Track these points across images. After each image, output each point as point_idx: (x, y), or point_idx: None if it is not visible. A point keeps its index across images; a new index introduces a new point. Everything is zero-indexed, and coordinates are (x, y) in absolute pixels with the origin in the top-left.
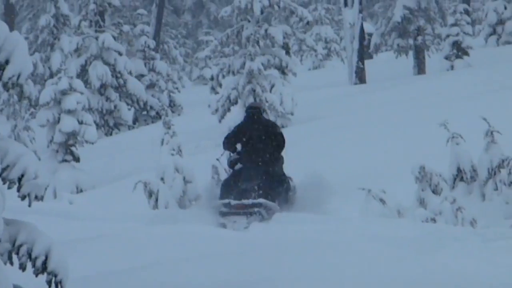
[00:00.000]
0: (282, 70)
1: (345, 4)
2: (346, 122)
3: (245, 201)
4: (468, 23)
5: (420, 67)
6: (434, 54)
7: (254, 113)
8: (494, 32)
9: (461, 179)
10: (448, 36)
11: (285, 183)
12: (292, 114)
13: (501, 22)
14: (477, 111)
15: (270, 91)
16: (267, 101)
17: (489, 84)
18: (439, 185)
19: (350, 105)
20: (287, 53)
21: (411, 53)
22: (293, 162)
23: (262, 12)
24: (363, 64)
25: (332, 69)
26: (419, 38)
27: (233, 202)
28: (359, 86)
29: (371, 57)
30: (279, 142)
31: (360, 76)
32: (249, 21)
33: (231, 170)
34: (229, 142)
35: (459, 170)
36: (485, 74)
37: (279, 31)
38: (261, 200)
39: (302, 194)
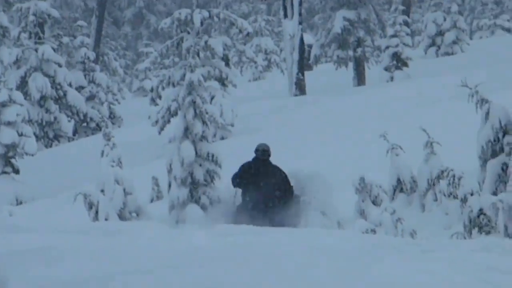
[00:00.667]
0: (222, 81)
1: (285, 16)
2: (286, 133)
3: None
4: (407, 35)
5: (360, 78)
6: (373, 65)
7: (261, 155)
8: (433, 43)
9: (401, 190)
10: (387, 47)
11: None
12: (232, 125)
13: (440, 33)
14: (417, 122)
15: (210, 103)
16: (207, 113)
17: (428, 95)
18: (379, 196)
19: (290, 117)
20: (227, 64)
21: (351, 64)
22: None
23: (202, 24)
24: (303, 75)
25: (272, 80)
26: (359, 49)
27: None
28: (299, 98)
29: (311, 68)
30: (286, 194)
31: (300, 87)
32: (189, 33)
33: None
34: (237, 183)
35: (399, 181)
36: (424, 85)
37: (219, 43)
38: None
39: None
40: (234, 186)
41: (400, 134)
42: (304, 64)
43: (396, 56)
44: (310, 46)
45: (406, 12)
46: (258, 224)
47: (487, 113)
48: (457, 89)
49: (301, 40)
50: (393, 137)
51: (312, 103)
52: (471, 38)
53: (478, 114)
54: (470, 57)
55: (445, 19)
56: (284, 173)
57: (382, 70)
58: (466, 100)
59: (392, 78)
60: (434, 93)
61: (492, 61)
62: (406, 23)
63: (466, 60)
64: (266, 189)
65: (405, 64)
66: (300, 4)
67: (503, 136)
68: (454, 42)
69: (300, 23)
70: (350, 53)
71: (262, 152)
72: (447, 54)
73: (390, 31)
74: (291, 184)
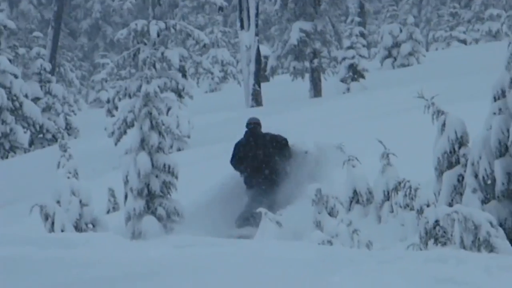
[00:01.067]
0: (179, 93)
1: (242, 27)
2: None
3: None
4: (364, 46)
5: (316, 90)
6: (330, 76)
7: (252, 128)
8: (389, 55)
9: (357, 202)
10: (344, 59)
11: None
12: (188, 137)
13: (396, 45)
14: (373, 133)
15: (167, 114)
16: (163, 124)
17: (384, 106)
18: (335, 207)
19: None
20: (184, 76)
21: (307, 75)
22: (191, 184)
23: (158, 35)
24: (259, 86)
25: (229, 91)
26: (315, 60)
27: (234, 233)
28: (255, 109)
29: (267, 79)
30: (282, 149)
31: (256, 99)
32: (145, 44)
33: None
34: (236, 162)
35: (355, 192)
36: (380, 96)
37: (175, 54)
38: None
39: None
40: (234, 165)
41: (357, 145)
42: (260, 75)
43: (352, 68)
44: (266, 58)
45: (362, 24)
46: (262, 191)
47: (443, 125)
48: (413, 100)
49: (258, 51)
50: (350, 148)
51: (269, 114)
52: (427, 50)
53: (434, 125)
54: (426, 69)
55: (401, 31)
56: (274, 134)
57: (339, 81)
58: (422, 111)
59: (348, 90)
60: (390, 104)
61: (448, 73)
62: (363, 35)
63: (422, 71)
64: (264, 157)
65: (362, 76)
66: (257, 15)
67: (459, 148)
68: (410, 54)
69: (256, 34)
70: (307, 64)
71: (254, 126)
72: (403, 65)
73: (346, 42)
74: (284, 137)
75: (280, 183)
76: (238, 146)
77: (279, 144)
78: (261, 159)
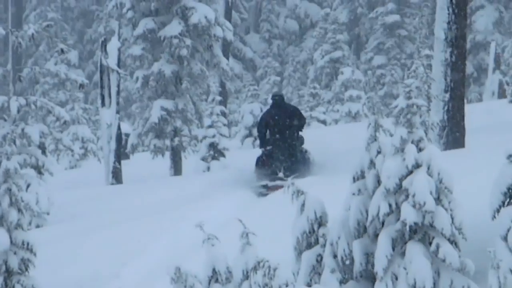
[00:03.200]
0: (39, 169)
1: (103, 105)
2: (104, 221)
3: (278, 183)
4: (224, 125)
5: (176, 168)
6: (191, 155)
7: (277, 100)
8: (250, 134)
9: (216, 281)
10: (204, 137)
11: (305, 160)
12: (48, 213)
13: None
14: (233, 212)
15: (26, 191)
16: (22, 201)
17: (241, 183)
18: (194, 286)
19: (107, 206)
20: (44, 152)
21: (168, 153)
22: (50, 261)
23: (18, 111)
24: (120, 164)
25: (89, 168)
26: (176, 139)
27: (269, 183)
28: (115, 187)
29: (128, 157)
30: (301, 121)
31: (116, 176)
32: (5, 120)
33: (264, 150)
34: (261, 127)
35: (214, 271)
36: (238, 174)
37: (35, 131)
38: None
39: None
40: (259, 133)
41: (218, 223)
42: (121, 153)
43: (213, 146)
44: (127, 135)
45: (224, 103)
46: (281, 159)
47: (303, 205)
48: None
49: (119, 129)
50: (211, 227)
51: (129, 192)
52: None
53: (294, 205)
54: None
55: (261, 110)
56: (296, 107)
57: (199, 160)
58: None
59: (209, 168)
60: (247, 181)
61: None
62: (223, 114)
63: None
64: (286, 123)
65: (222, 154)
66: (118, 93)
67: (319, 228)
68: None
69: (117, 112)
70: (167, 142)
71: (279, 97)
72: None
73: (207, 121)
74: (303, 116)
75: (296, 148)
76: (265, 114)
77: (298, 115)
78: (284, 124)
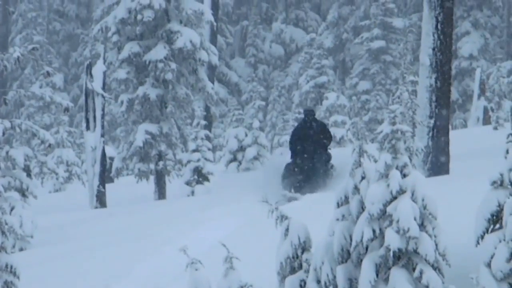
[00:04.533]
0: (23, 192)
1: (87, 128)
2: (91, 245)
3: (297, 195)
4: (209, 149)
5: (160, 192)
6: (175, 179)
7: (308, 115)
8: (234, 158)
9: None
10: (189, 161)
11: (327, 176)
12: (32, 237)
13: (241, 149)
14: (215, 236)
15: (10, 214)
16: (6, 224)
17: (229, 209)
18: None
19: (91, 229)
20: (28, 175)
21: (152, 177)
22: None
23: (3, 134)
24: (104, 188)
25: (73, 192)
26: (160, 163)
27: (288, 194)
28: (99, 210)
29: (112, 181)
30: (327, 138)
31: (101, 200)
32: None
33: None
34: (293, 141)
35: None
36: (219, 199)
37: (20, 153)
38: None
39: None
40: (291, 144)
41: (202, 248)
42: (105, 176)
43: (197, 171)
44: (112, 159)
45: (208, 127)
46: (303, 172)
47: (287, 230)
48: (258, 205)
49: (103, 152)
50: (194, 251)
51: (113, 215)
52: (271, 154)
53: (278, 230)
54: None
55: (246, 135)
56: (325, 123)
57: (183, 184)
58: (266, 216)
59: (193, 193)
60: (236, 207)
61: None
62: (208, 138)
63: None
64: (315, 138)
65: (206, 179)
66: (103, 116)
67: (302, 253)
68: (255, 158)
69: (102, 135)
70: (152, 166)
71: (309, 112)
72: (247, 169)
73: (192, 145)
74: (330, 132)
75: (320, 163)
76: (296, 128)
77: (327, 131)
78: (313, 140)
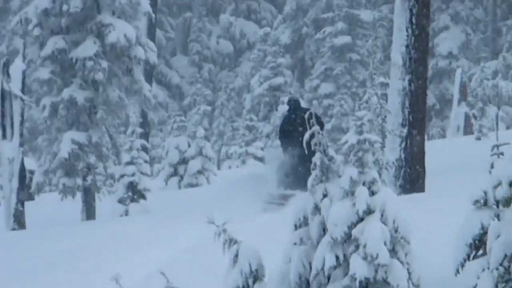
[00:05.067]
0: None
1: (4, 137)
2: (4, 274)
3: (286, 192)
4: (146, 162)
5: (89, 211)
6: (106, 196)
7: (293, 104)
8: (175, 172)
9: None
10: (122, 176)
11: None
12: None
13: (184, 161)
14: (154, 263)
15: None
16: None
17: (167, 231)
18: None
19: (7, 255)
20: None
21: (79, 194)
22: None
23: None
24: (23, 206)
25: None
26: (89, 177)
27: (277, 192)
28: (17, 232)
29: (32, 198)
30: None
31: (19, 220)
32: None
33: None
34: (281, 138)
35: None
36: (161, 219)
37: None
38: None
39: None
40: (280, 136)
41: (136, 277)
42: (24, 193)
43: (132, 187)
44: (32, 172)
45: (145, 136)
46: (298, 162)
47: (236, 256)
48: (204, 227)
49: (22, 165)
50: (129, 279)
51: (33, 238)
52: (219, 168)
53: (226, 256)
54: (217, 189)
55: (189, 145)
56: (315, 111)
57: (116, 202)
58: (212, 239)
59: (127, 212)
60: (170, 230)
61: (243, 194)
62: (145, 149)
63: (213, 192)
64: (303, 131)
65: (143, 196)
66: (22, 123)
67: (254, 283)
68: (200, 172)
69: (21, 145)
70: (79, 181)
71: (293, 102)
72: (191, 185)
73: (126, 157)
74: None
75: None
76: (283, 123)
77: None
78: (302, 133)
